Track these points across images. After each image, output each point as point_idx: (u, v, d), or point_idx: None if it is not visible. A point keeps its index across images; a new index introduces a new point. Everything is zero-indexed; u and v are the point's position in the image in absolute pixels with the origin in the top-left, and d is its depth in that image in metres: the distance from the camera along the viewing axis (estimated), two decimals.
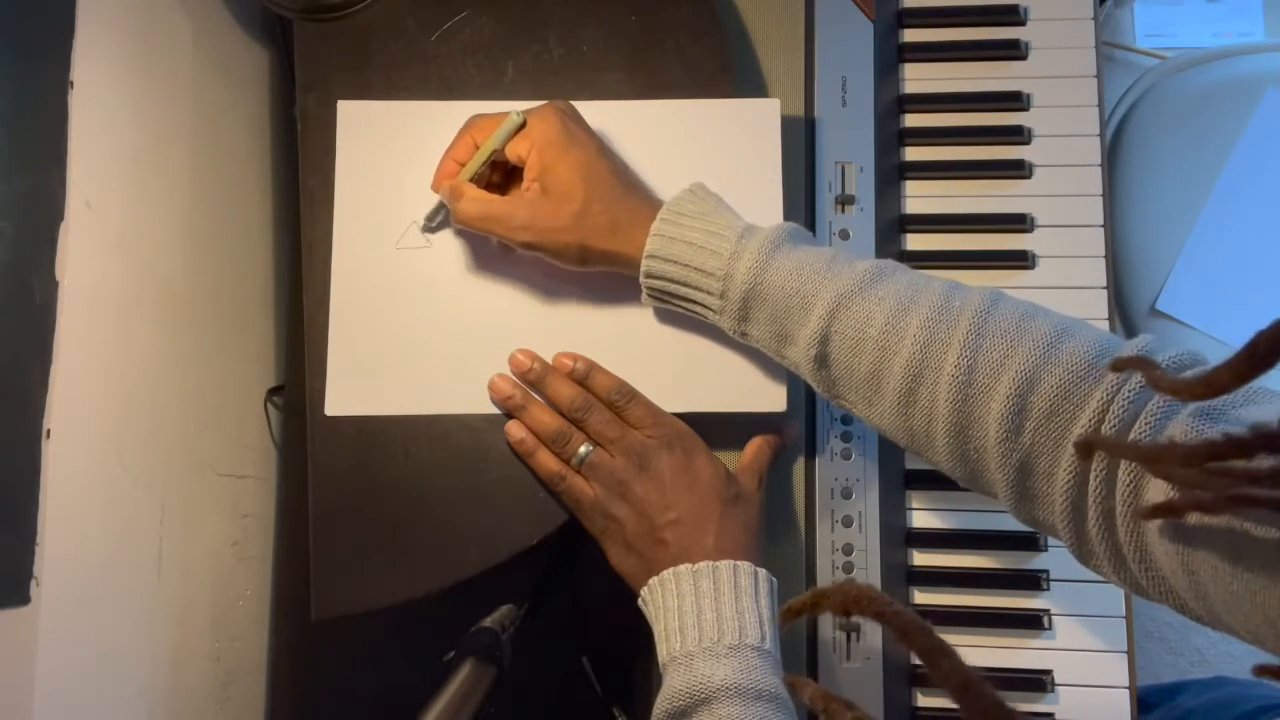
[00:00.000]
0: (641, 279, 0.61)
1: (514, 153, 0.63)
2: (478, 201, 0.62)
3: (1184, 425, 0.43)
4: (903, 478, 0.71)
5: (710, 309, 0.61)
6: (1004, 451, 0.50)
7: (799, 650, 0.68)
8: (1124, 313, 1.01)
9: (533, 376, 0.65)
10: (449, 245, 0.68)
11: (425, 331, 0.67)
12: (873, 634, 0.68)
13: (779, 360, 0.61)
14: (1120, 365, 0.43)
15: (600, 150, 0.63)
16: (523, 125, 0.62)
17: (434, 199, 0.67)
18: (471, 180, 0.63)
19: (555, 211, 0.61)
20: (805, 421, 0.70)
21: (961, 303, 0.53)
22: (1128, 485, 0.45)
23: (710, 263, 0.59)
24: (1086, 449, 0.44)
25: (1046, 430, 0.49)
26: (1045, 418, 0.49)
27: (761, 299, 0.58)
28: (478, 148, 0.63)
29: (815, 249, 0.59)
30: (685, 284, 0.60)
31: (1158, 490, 0.44)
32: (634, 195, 0.63)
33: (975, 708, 0.31)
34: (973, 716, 0.31)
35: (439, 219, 0.68)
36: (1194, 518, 0.41)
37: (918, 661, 0.69)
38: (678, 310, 0.63)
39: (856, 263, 0.57)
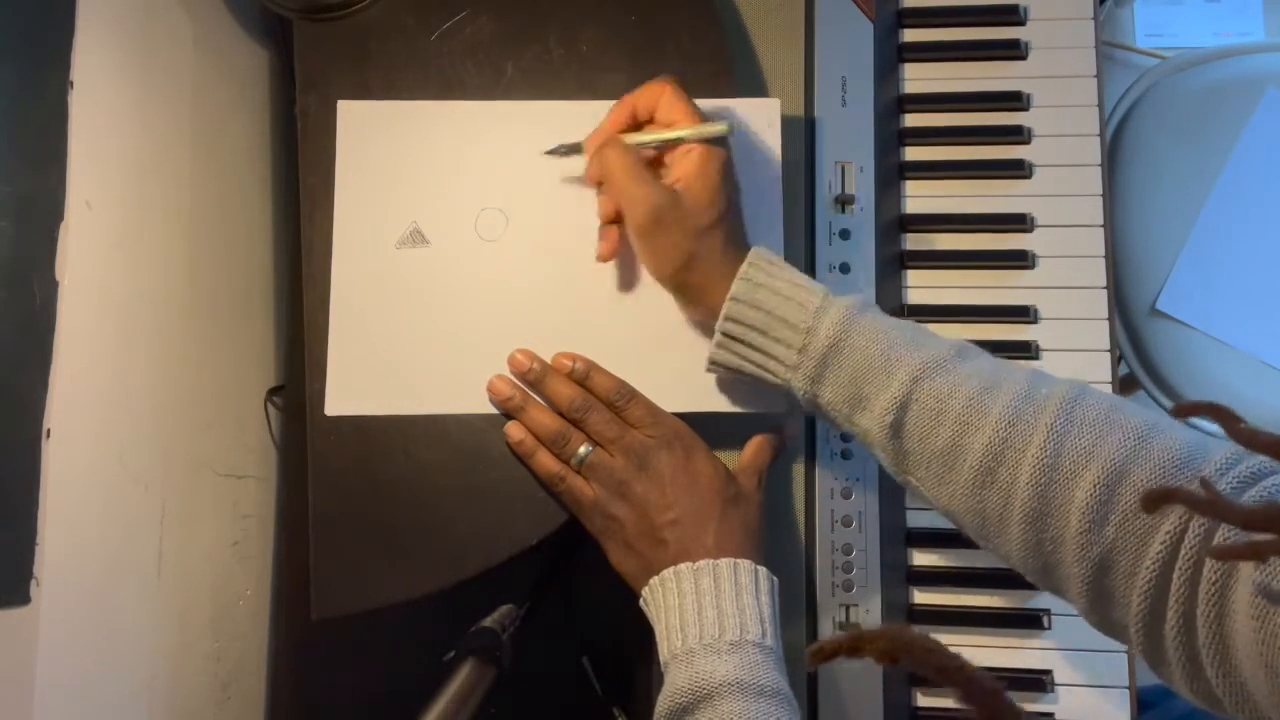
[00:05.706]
0: (720, 322, 0.59)
1: (680, 151, 0.62)
2: (631, 155, 0.61)
3: None
4: None
5: (784, 363, 0.59)
6: (1084, 544, 0.48)
7: (799, 649, 0.68)
8: (1124, 313, 1.01)
9: (532, 377, 0.65)
10: (449, 245, 0.68)
11: (425, 331, 0.67)
12: None
13: (847, 427, 0.59)
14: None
15: (739, 202, 0.63)
16: (727, 134, 0.61)
17: (433, 200, 0.67)
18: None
19: (690, 213, 0.60)
20: (805, 422, 0.70)
21: (1048, 390, 0.52)
22: (1213, 584, 0.43)
23: (795, 314, 0.58)
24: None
25: (1133, 526, 0.46)
26: (1133, 512, 0.46)
27: (842, 358, 0.57)
28: (636, 117, 0.63)
29: (897, 319, 0.58)
30: (765, 332, 0.59)
31: (1245, 592, 0.41)
32: (739, 250, 0.61)
33: None
34: None
35: (566, 155, 0.66)
36: None
37: None
38: (743, 369, 0.61)
39: (940, 338, 0.57)
